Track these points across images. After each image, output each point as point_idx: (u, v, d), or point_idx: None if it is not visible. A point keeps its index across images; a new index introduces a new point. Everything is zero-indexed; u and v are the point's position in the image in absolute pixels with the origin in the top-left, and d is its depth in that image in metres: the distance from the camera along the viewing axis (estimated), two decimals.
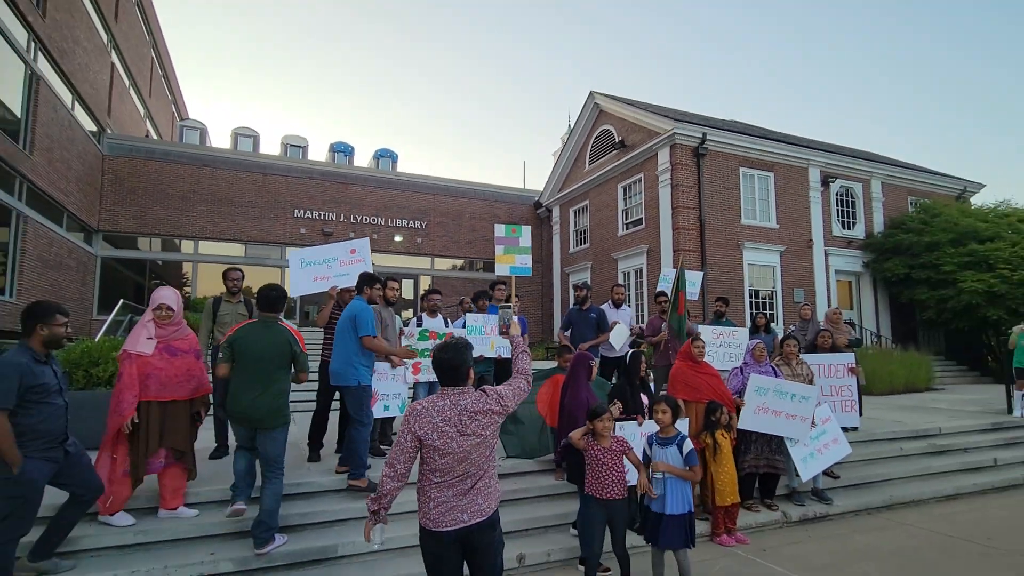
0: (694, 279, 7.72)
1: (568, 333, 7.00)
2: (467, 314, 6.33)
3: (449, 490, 2.42)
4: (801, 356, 6.04)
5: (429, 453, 2.43)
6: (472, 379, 2.59)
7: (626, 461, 3.83)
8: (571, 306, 7.02)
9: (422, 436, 2.42)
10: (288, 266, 5.85)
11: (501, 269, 6.87)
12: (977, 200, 18.12)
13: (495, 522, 2.52)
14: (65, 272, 13.35)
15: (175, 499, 4.05)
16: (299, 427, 5.78)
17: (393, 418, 5.97)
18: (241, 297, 5.63)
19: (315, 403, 5.53)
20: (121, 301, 12.49)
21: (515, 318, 3.17)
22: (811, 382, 5.61)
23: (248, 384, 3.89)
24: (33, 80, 11.59)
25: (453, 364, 2.52)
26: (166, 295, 4.18)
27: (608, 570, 4.05)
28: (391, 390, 5.51)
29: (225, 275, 5.59)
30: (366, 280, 5.03)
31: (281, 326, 4.13)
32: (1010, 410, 8.49)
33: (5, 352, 3.29)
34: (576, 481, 4.34)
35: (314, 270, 5.51)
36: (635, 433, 4.50)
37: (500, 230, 6.96)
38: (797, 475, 5.35)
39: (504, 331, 3.11)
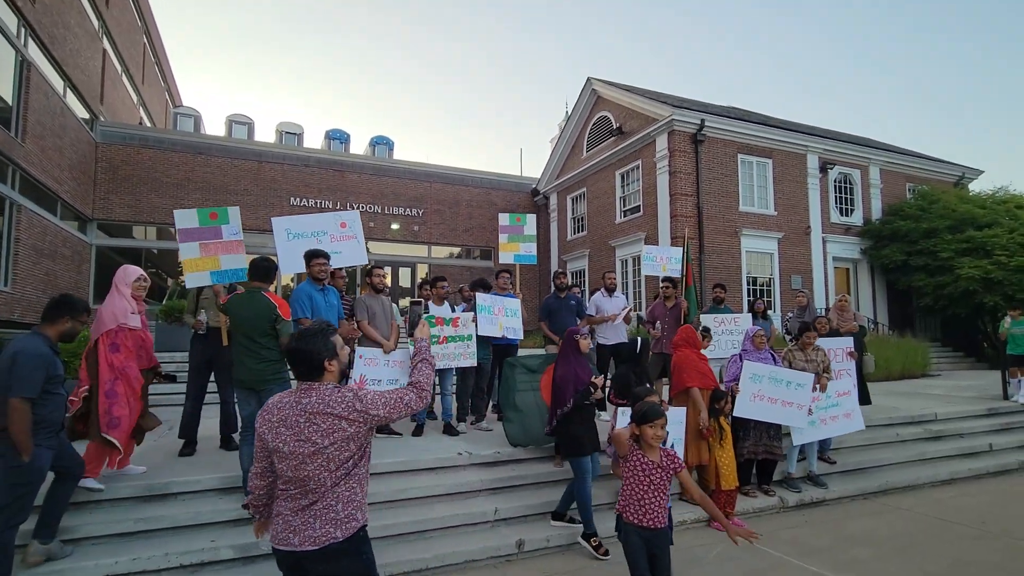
0: (677, 255, 7.63)
1: (547, 323, 6.88)
2: (477, 294, 6.22)
3: (288, 502, 2.10)
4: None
5: (274, 456, 2.14)
6: (332, 373, 2.21)
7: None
8: (550, 295, 6.87)
9: (261, 435, 2.13)
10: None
11: (505, 257, 6.81)
12: (975, 186, 18.13)
13: (332, 556, 2.05)
14: (60, 261, 13.27)
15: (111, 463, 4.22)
16: None
17: None
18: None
19: None
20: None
21: (424, 318, 2.75)
22: (827, 368, 5.64)
23: (241, 352, 4.11)
24: (24, 66, 11.43)
25: (303, 353, 2.14)
26: (138, 269, 4.52)
27: (599, 545, 4.14)
28: (383, 375, 5.39)
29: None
30: (304, 257, 4.84)
31: (264, 295, 4.17)
32: (1006, 396, 8.54)
33: (20, 340, 3.24)
34: (567, 454, 4.43)
35: (303, 244, 5.17)
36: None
37: (504, 219, 6.90)
38: (802, 458, 5.44)
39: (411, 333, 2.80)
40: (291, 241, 5.15)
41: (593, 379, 4.40)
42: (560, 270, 7.00)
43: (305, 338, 2.17)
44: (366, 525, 2.21)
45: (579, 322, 6.65)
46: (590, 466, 4.30)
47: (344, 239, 5.34)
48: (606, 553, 4.12)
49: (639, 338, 6.30)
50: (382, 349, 5.40)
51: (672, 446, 4.60)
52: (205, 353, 5.17)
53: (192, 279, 4.66)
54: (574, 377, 4.39)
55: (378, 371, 5.38)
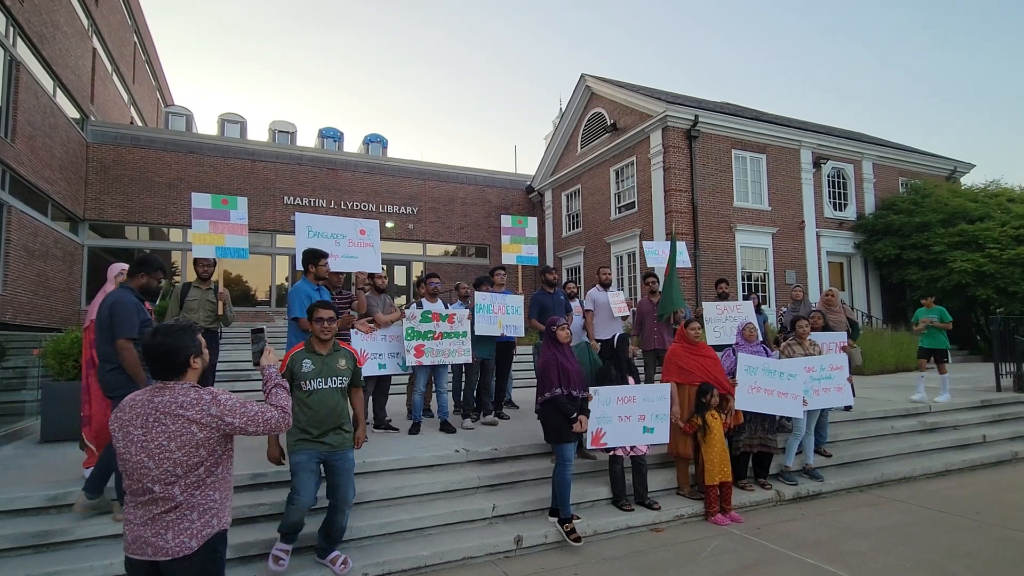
0: (680, 248, 7.73)
1: (538, 319, 6.83)
2: (476, 292, 6.27)
3: (138, 510, 2.01)
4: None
5: (119, 460, 2.05)
6: (195, 371, 2.13)
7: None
8: (537, 290, 6.82)
9: (113, 436, 2.04)
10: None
11: (507, 258, 6.93)
12: (967, 180, 18.22)
13: (187, 563, 2.01)
14: (52, 262, 13.17)
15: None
16: None
17: (386, 398, 6.10)
18: (212, 284, 5.55)
19: None
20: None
21: (268, 345, 2.53)
22: None
23: None
24: (12, 66, 11.32)
25: (164, 350, 2.05)
26: (123, 264, 4.57)
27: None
28: (383, 349, 5.64)
29: (196, 262, 5.54)
30: (309, 257, 4.83)
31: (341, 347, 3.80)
32: (999, 387, 8.59)
33: (112, 293, 3.80)
34: (550, 440, 4.45)
35: (321, 244, 5.32)
36: (611, 398, 4.62)
37: (507, 220, 7.03)
38: (799, 451, 5.56)
39: (255, 362, 2.54)
40: (310, 239, 5.34)
41: (577, 422, 4.36)
42: (550, 266, 6.99)
43: (172, 333, 2.08)
44: (225, 528, 2.16)
45: (567, 317, 6.66)
46: (572, 453, 4.37)
47: (362, 245, 5.57)
48: (578, 539, 4.21)
49: (617, 332, 6.35)
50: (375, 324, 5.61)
51: (656, 418, 4.77)
52: None
53: (199, 250, 5.32)
54: (556, 364, 4.44)
55: (376, 345, 5.60)
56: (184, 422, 1.98)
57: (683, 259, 7.74)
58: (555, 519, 4.35)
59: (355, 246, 5.53)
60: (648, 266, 8.02)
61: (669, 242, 7.52)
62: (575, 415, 4.33)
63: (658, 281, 7.22)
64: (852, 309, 15.21)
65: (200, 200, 5.42)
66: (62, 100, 13.80)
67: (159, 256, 16.72)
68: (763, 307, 8.83)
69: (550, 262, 19.18)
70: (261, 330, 2.64)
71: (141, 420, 1.99)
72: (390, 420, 6.00)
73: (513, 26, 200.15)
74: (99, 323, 3.72)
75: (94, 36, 15.92)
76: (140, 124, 21.20)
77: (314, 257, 4.85)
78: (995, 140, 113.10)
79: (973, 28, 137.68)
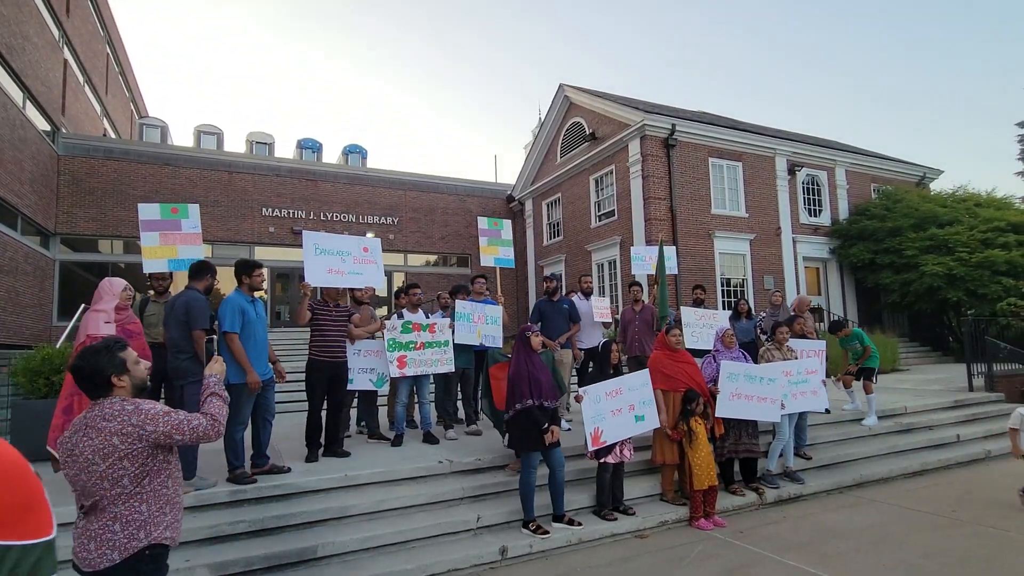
0: (669, 253, 7.86)
1: (539, 326, 6.89)
2: (457, 300, 6.29)
3: (80, 521, 2.08)
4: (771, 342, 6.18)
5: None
6: (123, 388, 2.15)
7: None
8: (540, 298, 6.89)
9: (59, 450, 2.12)
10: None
11: (486, 260, 6.97)
12: (936, 186, 18.71)
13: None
14: (22, 277, 12.83)
15: None
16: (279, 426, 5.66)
17: (375, 411, 6.24)
18: (168, 298, 5.31)
19: (307, 403, 5.38)
20: (82, 306, 11.99)
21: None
22: None
23: None
24: None
25: (83, 372, 2.10)
26: (123, 280, 4.62)
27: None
28: (353, 364, 5.62)
29: (150, 276, 5.37)
30: (241, 267, 4.64)
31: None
32: (971, 388, 8.77)
33: (183, 293, 4.31)
34: (515, 447, 4.54)
35: (328, 260, 5.40)
36: (600, 395, 4.69)
37: (483, 222, 7.08)
38: (781, 455, 5.65)
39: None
40: (317, 256, 5.38)
41: (551, 430, 4.39)
42: (550, 274, 7.07)
43: (88, 355, 2.12)
44: (158, 544, 2.12)
45: (571, 326, 6.68)
46: (537, 461, 4.48)
47: (365, 262, 5.67)
48: (545, 533, 4.36)
49: (603, 339, 6.43)
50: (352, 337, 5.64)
51: (643, 404, 4.88)
52: (155, 367, 4.90)
53: (150, 264, 5.15)
54: (528, 374, 4.48)
55: (350, 360, 5.59)
56: (106, 435, 2.02)
57: (671, 264, 7.83)
58: (558, 523, 4.49)
59: (360, 263, 5.62)
60: (633, 272, 8.08)
61: (656, 247, 7.61)
62: (547, 425, 4.35)
63: (642, 289, 7.28)
64: (829, 313, 15.53)
65: (148, 211, 5.18)
66: (32, 112, 13.51)
67: (133, 271, 16.47)
68: (753, 314, 8.85)
69: (532, 271, 19.24)
70: (211, 340, 2.70)
71: (76, 437, 2.05)
72: (365, 428, 6.14)
73: (493, 34, 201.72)
74: (173, 319, 4.24)
75: (65, 47, 15.65)
76: (114, 136, 20.84)
77: (247, 267, 4.65)
78: (962, 146, 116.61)
79: (941, 37, 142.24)
